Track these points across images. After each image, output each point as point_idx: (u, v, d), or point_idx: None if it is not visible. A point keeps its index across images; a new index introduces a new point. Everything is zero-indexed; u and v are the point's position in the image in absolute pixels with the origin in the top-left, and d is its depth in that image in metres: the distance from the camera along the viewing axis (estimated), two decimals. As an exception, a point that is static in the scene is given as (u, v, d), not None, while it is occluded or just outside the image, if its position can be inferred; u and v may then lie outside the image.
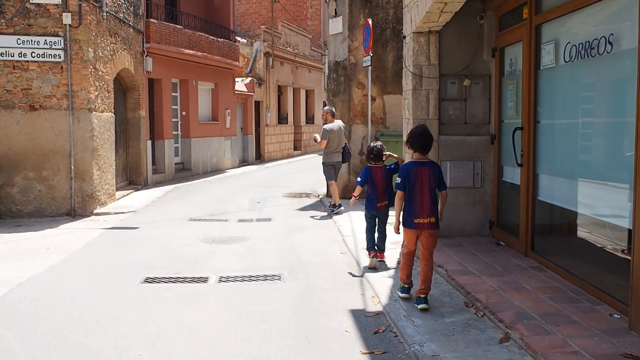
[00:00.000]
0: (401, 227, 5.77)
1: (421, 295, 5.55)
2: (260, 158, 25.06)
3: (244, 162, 23.44)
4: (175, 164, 18.38)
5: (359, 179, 7.65)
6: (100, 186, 12.13)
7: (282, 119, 27.51)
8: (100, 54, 12.23)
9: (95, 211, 11.81)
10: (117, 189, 14.44)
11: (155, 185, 16.38)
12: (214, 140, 20.53)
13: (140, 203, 13.22)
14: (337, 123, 12.11)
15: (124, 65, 14.15)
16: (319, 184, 17.18)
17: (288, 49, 27.35)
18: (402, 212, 5.71)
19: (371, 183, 7.47)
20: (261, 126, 25.07)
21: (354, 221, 10.56)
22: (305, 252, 8.54)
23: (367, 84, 13.10)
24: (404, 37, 8.66)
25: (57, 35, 10.99)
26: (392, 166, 7.50)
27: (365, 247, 7.72)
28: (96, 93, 11.90)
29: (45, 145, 11.22)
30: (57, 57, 10.97)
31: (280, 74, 26.63)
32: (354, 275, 7.24)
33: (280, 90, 27.58)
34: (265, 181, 18.13)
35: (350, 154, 12.60)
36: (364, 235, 7.85)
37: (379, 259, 7.54)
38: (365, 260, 7.67)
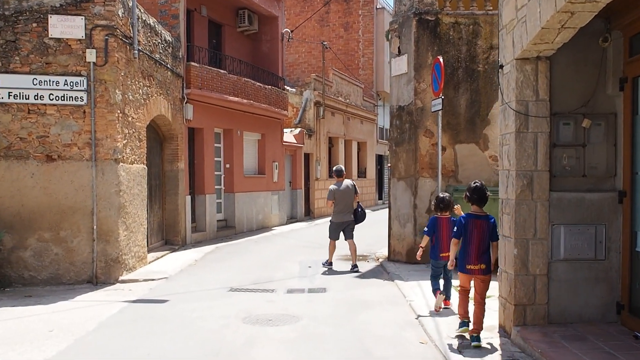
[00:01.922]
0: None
1: (474, 335, 6.17)
2: (309, 214, 23.28)
3: (292, 219, 21.67)
4: (218, 221, 16.73)
5: (425, 229, 7.97)
6: (127, 248, 10.48)
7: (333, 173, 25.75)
8: (131, 97, 10.78)
9: (121, 278, 10.11)
10: (151, 250, 12.81)
11: (194, 245, 14.70)
12: (260, 195, 18.89)
13: (175, 267, 11.49)
14: (345, 182, 11.46)
15: (159, 111, 12.71)
16: (376, 244, 15.28)
17: (339, 98, 25.87)
18: (456, 258, 6.35)
19: (437, 233, 7.81)
20: (311, 180, 23.40)
21: (427, 294, 8.55)
22: (375, 343, 6.56)
23: (436, 132, 11.25)
24: (501, 66, 6.82)
25: (80, 75, 9.57)
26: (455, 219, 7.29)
27: (432, 290, 8.01)
28: (124, 142, 10.39)
29: (64, 201, 9.67)
30: (79, 99, 9.53)
31: (331, 125, 25.08)
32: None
33: (331, 142, 25.98)
34: (316, 240, 16.24)
35: (364, 213, 11.80)
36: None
37: (445, 306, 7.76)
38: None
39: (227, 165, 17.31)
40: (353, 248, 11.61)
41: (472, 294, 6.43)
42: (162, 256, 12.70)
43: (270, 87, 18.85)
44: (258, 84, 18.00)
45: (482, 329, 6.24)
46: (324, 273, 11.16)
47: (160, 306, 8.39)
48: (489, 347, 6.13)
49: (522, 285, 6.34)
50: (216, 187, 16.71)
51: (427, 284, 9.29)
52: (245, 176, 18.12)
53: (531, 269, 6.35)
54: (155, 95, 12.42)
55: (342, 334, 6.91)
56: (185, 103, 14.72)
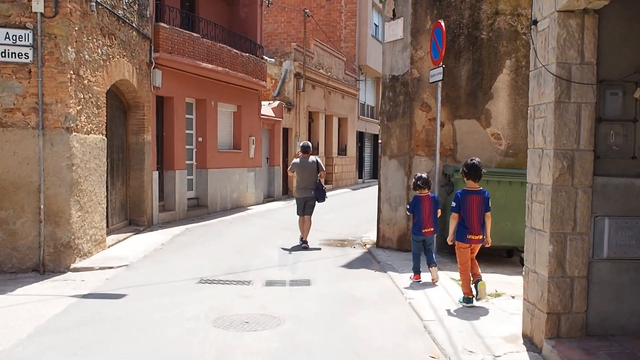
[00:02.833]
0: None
1: (479, 280, 6.80)
2: (287, 193, 21.99)
3: (269, 198, 20.38)
4: (189, 199, 15.36)
5: (407, 206, 8.42)
6: (82, 231, 9.12)
7: (312, 149, 24.43)
8: (87, 57, 9.33)
9: (73, 265, 8.77)
10: (112, 232, 11.46)
11: (162, 226, 13.35)
12: (235, 172, 17.53)
13: (138, 252, 10.16)
14: (310, 158, 11.11)
15: (122, 75, 11.25)
16: (360, 227, 14.11)
17: (321, 71, 24.49)
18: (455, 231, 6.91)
19: (418, 210, 8.11)
20: (289, 156, 22.06)
21: (428, 291, 7.43)
22: (375, 357, 5.37)
23: (435, 105, 10.04)
24: (535, 22, 5.56)
25: (24, 28, 8.10)
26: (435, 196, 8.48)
27: (413, 268, 8.25)
28: (79, 108, 8.98)
29: (5, 176, 8.26)
30: (24, 56, 8.07)
31: (311, 99, 23.71)
32: None
33: (311, 116, 24.63)
34: (295, 222, 14.94)
35: (324, 192, 11.24)
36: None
37: (415, 280, 8.10)
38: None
39: (200, 139, 15.91)
40: (307, 225, 11.25)
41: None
42: (124, 239, 11.34)
43: (247, 54, 17.40)
44: (234, 50, 16.54)
45: (480, 275, 6.97)
46: (306, 260, 9.94)
47: (116, 303, 7.08)
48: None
49: (558, 289, 5.19)
50: (187, 162, 15.32)
51: (426, 277, 8.18)
52: (220, 151, 16.73)
53: (569, 270, 5.19)
54: (118, 56, 10.96)
55: (334, 344, 5.70)
56: (153, 68, 13.25)
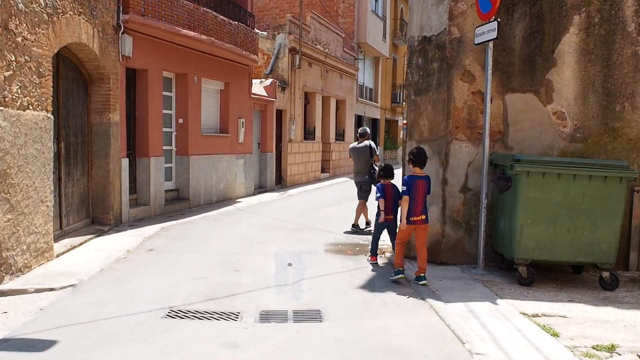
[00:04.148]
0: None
1: (421, 275, 7.16)
2: (281, 182, 19.62)
3: (261, 188, 17.99)
4: (167, 191, 12.97)
5: (377, 194, 8.19)
6: (13, 240, 6.76)
7: (308, 134, 22.10)
8: (22, 6, 6.92)
9: (-1, 287, 6.42)
10: (67, 235, 9.16)
11: (132, 225, 10.96)
12: (222, 159, 15.13)
13: (93, 265, 7.80)
14: (364, 142, 11.11)
15: (77, 38, 8.82)
16: (371, 226, 11.75)
17: (318, 46, 22.04)
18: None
19: (385, 198, 8.15)
20: (283, 142, 19.68)
21: (498, 335, 5.16)
22: None
23: (484, 74, 7.73)
24: None
25: None
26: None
27: (370, 250, 8.63)
28: (7, 74, 6.59)
29: None
30: None
31: (307, 78, 21.29)
32: None
33: (307, 97, 22.22)
34: (293, 219, 12.68)
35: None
36: None
37: (372, 262, 8.45)
38: None
39: (180, 120, 13.49)
40: (359, 209, 11.22)
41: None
42: (80, 244, 8.96)
43: (236, 23, 14.94)
44: (221, 17, 14.08)
45: (426, 270, 7.21)
46: (312, 276, 7.63)
47: None
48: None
49: None
50: (165, 147, 12.91)
51: (487, 309, 5.91)
52: (204, 135, 14.32)
53: None
54: (70, 12, 8.52)
55: None
56: (122, 33, 10.80)
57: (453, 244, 8.19)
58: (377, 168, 10.54)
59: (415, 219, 7.14)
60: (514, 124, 8.08)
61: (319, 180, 22.83)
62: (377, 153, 11.15)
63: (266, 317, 5.93)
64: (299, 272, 7.86)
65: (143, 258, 8.46)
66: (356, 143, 11.26)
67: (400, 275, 7.31)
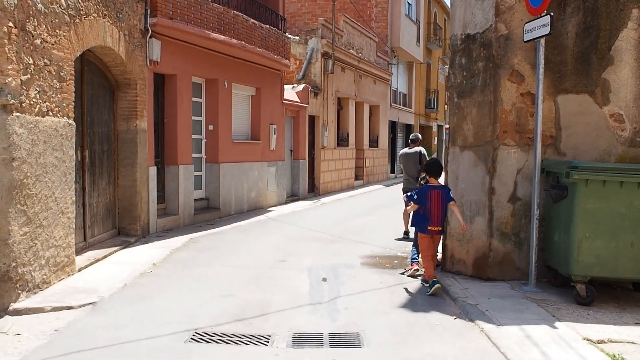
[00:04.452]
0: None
1: (435, 280, 7.09)
2: (314, 190, 19.10)
3: (293, 197, 17.50)
4: (196, 200, 12.55)
5: (414, 196, 7.50)
6: (31, 254, 6.35)
7: (341, 140, 21.56)
8: (42, 7, 6.55)
9: (14, 305, 6.04)
10: (92, 247, 8.81)
11: (160, 236, 10.55)
12: (253, 167, 14.69)
13: (116, 280, 7.36)
14: (414, 148, 10.95)
15: (102, 41, 8.46)
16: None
17: (351, 51, 21.52)
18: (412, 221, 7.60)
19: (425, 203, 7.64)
20: (316, 149, 19.17)
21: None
22: None
23: (535, 73, 7.10)
24: None
25: None
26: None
27: (412, 259, 8.26)
28: (25, 77, 6.20)
29: None
30: None
31: (340, 83, 20.77)
32: None
33: (340, 103, 21.70)
34: (326, 229, 12.14)
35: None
36: None
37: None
38: None
39: (210, 127, 13.08)
40: (406, 216, 10.92)
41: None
42: (105, 256, 8.55)
43: (267, 27, 14.51)
44: (252, 20, 13.65)
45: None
46: (348, 293, 7.07)
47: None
48: None
49: None
50: (194, 155, 12.51)
51: (545, 333, 5.28)
52: (234, 142, 13.90)
53: None
54: (94, 14, 8.15)
55: None
56: (150, 37, 10.43)
57: (501, 259, 7.54)
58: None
59: (432, 228, 7.15)
60: (567, 128, 7.41)
61: (352, 187, 22.25)
62: (427, 159, 10.67)
63: (300, 341, 5.39)
64: (335, 289, 7.31)
65: (169, 272, 8.00)
66: (407, 149, 11.12)
67: (436, 286, 7.04)
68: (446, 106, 8.97)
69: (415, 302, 6.76)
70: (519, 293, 6.90)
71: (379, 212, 15.46)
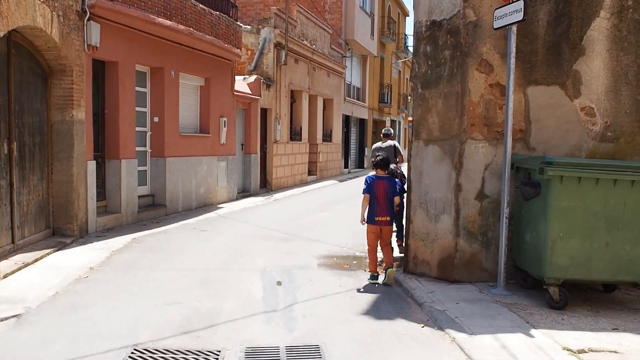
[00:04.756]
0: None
1: (389, 267, 7.22)
2: (266, 186, 18.45)
3: (244, 192, 16.80)
4: (140, 197, 11.74)
5: (364, 187, 7.49)
6: (-57, 262, 5.54)
7: (294, 134, 20.95)
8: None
9: None
10: (22, 249, 8.00)
11: (100, 236, 9.74)
12: (202, 162, 13.95)
13: (47, 287, 6.59)
14: (388, 142, 10.54)
15: (31, 21, 7.63)
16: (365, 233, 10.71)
17: (305, 42, 20.90)
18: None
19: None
20: (268, 142, 18.50)
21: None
22: None
23: (505, 63, 6.68)
24: None
25: None
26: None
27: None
28: None
29: None
30: None
31: (294, 75, 20.15)
32: None
33: (293, 96, 21.08)
34: (280, 226, 11.54)
35: (402, 175, 9.13)
36: None
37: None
38: None
39: (156, 119, 12.28)
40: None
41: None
42: (35, 260, 7.72)
43: (218, 13, 13.76)
44: (201, 5, 12.89)
45: (393, 263, 7.38)
46: (306, 299, 6.50)
47: None
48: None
49: None
50: (138, 149, 11.70)
51: (522, 342, 4.83)
52: (182, 135, 13.12)
53: None
54: (22, -10, 7.32)
55: None
56: (87, 20, 9.59)
57: (468, 259, 7.09)
58: (400, 167, 9.79)
59: (379, 219, 7.19)
60: (537, 121, 7.01)
61: (305, 183, 21.69)
62: (402, 153, 10.73)
63: (253, 356, 4.79)
64: (291, 294, 6.73)
65: (108, 277, 7.25)
66: (380, 143, 10.83)
67: (375, 281, 7.23)
68: (409, 98, 8.52)
69: (379, 308, 6.23)
70: (488, 297, 6.46)
71: (333, 208, 14.95)
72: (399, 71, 42.20)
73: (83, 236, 9.55)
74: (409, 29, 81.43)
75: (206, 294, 6.60)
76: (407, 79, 46.03)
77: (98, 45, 9.89)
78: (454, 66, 7.07)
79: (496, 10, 6.60)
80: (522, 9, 6.11)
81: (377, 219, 7.21)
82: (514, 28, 6.41)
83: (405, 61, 43.21)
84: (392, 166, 8.66)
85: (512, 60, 6.46)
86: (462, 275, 7.10)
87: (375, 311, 6.12)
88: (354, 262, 8.58)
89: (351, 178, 25.15)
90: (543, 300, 6.21)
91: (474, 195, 7.04)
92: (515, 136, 6.90)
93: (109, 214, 10.58)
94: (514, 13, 6.26)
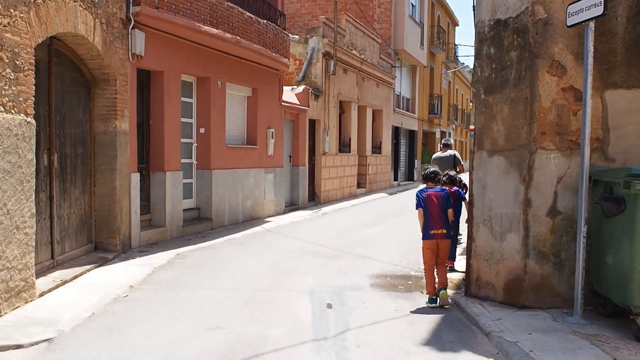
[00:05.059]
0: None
1: (442, 288, 6.71)
2: (314, 199, 17.95)
3: (292, 206, 16.34)
4: (185, 210, 11.40)
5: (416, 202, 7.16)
6: (-27, 281, 5.20)
7: (343, 146, 20.43)
8: (-15, -26, 5.44)
9: (-51, 344, 4.85)
10: (62, 265, 7.69)
11: (143, 250, 9.40)
12: (249, 174, 13.55)
13: (83, 307, 6.21)
14: (448, 152, 10.87)
15: (72, 27, 7.34)
16: (419, 249, 10.08)
17: (353, 52, 20.42)
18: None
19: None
20: (316, 154, 18.03)
21: None
22: None
23: (585, 62, 5.99)
24: None
25: None
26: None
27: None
28: (-38, 62, 5.07)
29: None
30: None
31: (342, 85, 19.66)
32: None
33: (342, 107, 20.58)
34: (329, 242, 11.00)
35: (463, 185, 8.66)
36: None
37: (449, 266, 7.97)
38: None
39: (202, 130, 11.95)
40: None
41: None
42: (74, 277, 7.38)
43: (265, 22, 13.40)
44: (248, 14, 12.54)
45: (447, 284, 6.86)
46: (359, 325, 5.92)
47: None
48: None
49: None
50: (184, 161, 11.38)
51: None
52: (229, 146, 12.76)
53: None
54: (63, -4, 7.03)
55: None
56: (132, 28, 9.31)
57: (538, 282, 6.39)
58: (461, 178, 9.27)
59: (435, 232, 6.78)
60: (616, 129, 6.28)
61: (354, 196, 21.11)
62: (462, 163, 10.85)
63: (301, 394, 4.24)
64: (343, 318, 6.16)
65: (148, 296, 6.84)
66: (440, 152, 11.08)
67: (434, 305, 6.73)
68: (471, 104, 8.14)
69: (441, 338, 5.60)
70: (564, 326, 5.75)
71: (384, 222, 14.33)
72: (449, 82, 41.29)
73: (126, 251, 9.21)
74: (459, 39, 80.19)
75: (251, 318, 6.10)
76: (457, 89, 45.05)
77: (143, 54, 9.60)
78: (522, 69, 6.42)
79: (570, 6, 5.94)
80: (602, 2, 5.44)
81: (432, 232, 6.77)
82: (592, 24, 5.73)
83: (455, 71, 42.28)
84: (451, 173, 8.35)
85: (590, 60, 5.78)
86: (531, 300, 6.40)
87: (437, 341, 5.49)
88: (409, 282, 7.96)
89: (401, 191, 24.45)
90: (629, 331, 5.48)
91: (545, 211, 6.35)
92: (591, 145, 6.18)
93: (153, 228, 10.25)
94: (591, 8, 5.60)
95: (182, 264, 8.65)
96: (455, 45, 43.07)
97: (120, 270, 8.03)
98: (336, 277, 8.10)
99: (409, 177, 31.01)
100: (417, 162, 31.47)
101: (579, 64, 6.25)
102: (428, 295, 6.81)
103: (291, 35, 17.20)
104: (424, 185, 7.11)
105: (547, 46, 6.33)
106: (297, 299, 6.88)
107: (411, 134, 31.06)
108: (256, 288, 7.37)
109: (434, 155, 11.37)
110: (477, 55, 7.05)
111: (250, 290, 7.22)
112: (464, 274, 7.91)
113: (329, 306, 6.62)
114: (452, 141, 11.37)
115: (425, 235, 6.82)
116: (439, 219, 6.78)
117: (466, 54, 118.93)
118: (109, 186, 8.90)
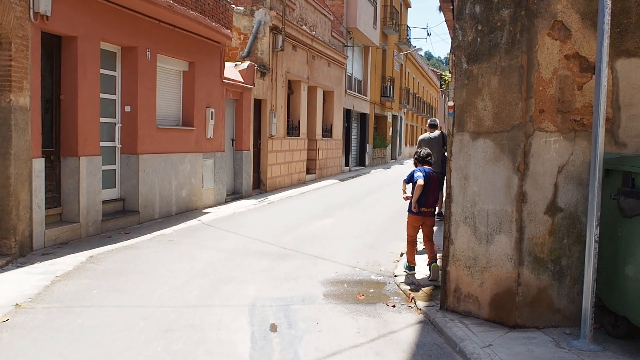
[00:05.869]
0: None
1: (433, 261, 6.88)
2: (259, 186, 16.46)
3: (235, 194, 14.80)
4: (106, 202, 9.76)
5: (418, 174, 7.16)
6: None
7: (292, 129, 18.95)
8: None
9: None
10: None
11: (48, 253, 7.76)
12: (184, 159, 11.95)
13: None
14: (435, 132, 10.83)
15: None
16: (380, 247, 8.88)
17: (304, 27, 18.90)
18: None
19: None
20: (263, 138, 16.51)
21: None
22: None
23: (598, 23, 4.70)
24: None
25: None
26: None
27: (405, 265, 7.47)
28: None
29: None
30: None
31: (291, 63, 18.15)
32: None
33: (291, 86, 19.09)
34: (275, 238, 9.59)
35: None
36: None
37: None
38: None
39: (128, 109, 10.28)
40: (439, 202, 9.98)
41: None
42: (-54, 293, 5.73)
43: (203, -14, 11.76)
44: (183, -25, 10.88)
45: (436, 257, 6.96)
46: (308, 357, 4.54)
47: None
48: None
49: None
50: (104, 144, 9.71)
51: None
52: (160, 128, 11.12)
53: None
54: None
55: None
56: (34, -18, 7.59)
57: (534, 296, 5.14)
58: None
59: (424, 209, 7.02)
60: (629, 107, 5.05)
61: (304, 183, 19.70)
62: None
63: None
64: (290, 347, 4.77)
65: (35, 322, 5.24)
66: (428, 133, 10.99)
67: (411, 272, 7.19)
68: (449, 75, 7.06)
69: (417, 372, 4.28)
70: (571, 355, 4.50)
71: (337, 213, 13.00)
72: (401, 64, 40.19)
73: (25, 254, 7.56)
74: (411, 21, 79.42)
75: (169, 351, 4.62)
76: (408, 72, 44.05)
77: (49, 14, 7.89)
78: (516, 31, 5.10)
79: (582, -52, 4.64)
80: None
81: (423, 209, 6.99)
82: (612, -29, 4.45)
83: (407, 54, 41.23)
84: (447, 154, 7.62)
85: (607, 18, 4.50)
86: (525, 317, 5.15)
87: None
88: (371, 290, 6.63)
89: (353, 177, 23.18)
90: (654, 361, 4.28)
91: (544, 207, 5.08)
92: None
93: (64, 224, 8.59)
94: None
95: (93, 272, 7.05)
96: (408, 27, 41.98)
97: (10, 281, 6.40)
98: (283, 285, 6.69)
99: (361, 162, 29.81)
100: (369, 147, 30.30)
101: (586, 26, 4.99)
102: (407, 263, 7.25)
103: (235, 7, 15.57)
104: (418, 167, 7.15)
105: (547, 3, 5.02)
106: (233, 319, 5.44)
107: (363, 117, 29.82)
108: (182, 304, 5.89)
109: (421, 137, 11.07)
110: (459, 16, 5.68)
111: (174, 308, 5.73)
112: (436, 281, 6.66)
113: (274, 328, 5.22)
114: (437, 121, 11.19)
115: (415, 211, 6.96)
116: (432, 198, 7.06)
117: (418, 37, 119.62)
118: (1, 175, 7.22)
